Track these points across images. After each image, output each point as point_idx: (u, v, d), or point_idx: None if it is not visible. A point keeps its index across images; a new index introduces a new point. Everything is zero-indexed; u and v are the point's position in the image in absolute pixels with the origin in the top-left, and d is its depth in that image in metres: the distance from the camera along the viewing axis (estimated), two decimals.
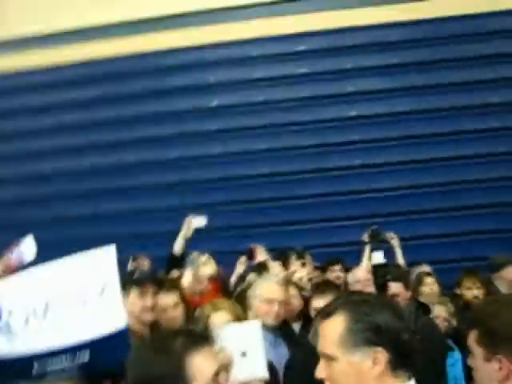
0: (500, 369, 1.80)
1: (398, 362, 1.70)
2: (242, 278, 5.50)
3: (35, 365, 2.31)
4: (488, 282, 5.24)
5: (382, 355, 1.68)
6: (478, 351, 1.87)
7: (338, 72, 7.51)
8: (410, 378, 1.72)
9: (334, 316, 1.77)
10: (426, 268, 6.00)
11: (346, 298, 1.88)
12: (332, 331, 1.76)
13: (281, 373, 3.29)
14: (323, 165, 7.30)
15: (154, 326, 3.47)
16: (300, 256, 5.36)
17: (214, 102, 7.69)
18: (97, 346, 2.27)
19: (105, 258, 2.40)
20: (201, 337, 1.79)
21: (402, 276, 4.03)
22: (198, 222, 5.22)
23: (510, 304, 1.92)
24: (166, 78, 7.87)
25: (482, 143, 7.13)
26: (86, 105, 7.92)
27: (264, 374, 2.68)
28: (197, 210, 5.64)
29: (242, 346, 2.64)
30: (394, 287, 3.81)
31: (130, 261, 5.37)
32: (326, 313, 1.81)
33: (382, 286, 3.56)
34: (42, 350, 2.31)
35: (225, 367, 1.89)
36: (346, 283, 5.46)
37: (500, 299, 2.04)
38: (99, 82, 7.92)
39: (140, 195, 7.58)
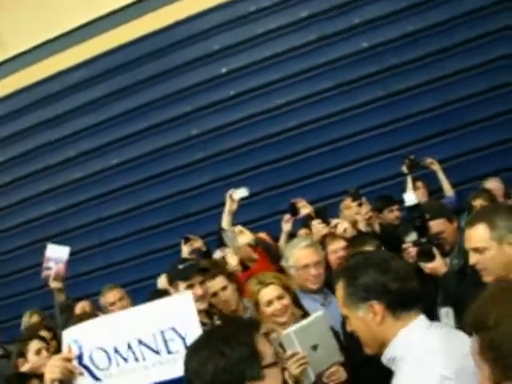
0: None
1: (394, 307, 1.98)
2: (292, 236, 5.50)
3: None
4: None
5: (377, 307, 1.97)
6: (483, 368, 1.36)
7: None
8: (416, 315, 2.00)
9: (337, 284, 2.11)
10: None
11: (344, 266, 2.22)
12: (339, 296, 2.10)
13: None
14: None
15: (210, 312, 3.52)
16: (356, 197, 5.15)
17: None
18: None
19: (183, 301, 2.43)
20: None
21: (441, 210, 3.91)
22: (240, 193, 5.06)
23: None
24: None
25: None
26: None
27: (339, 357, 2.97)
28: None
29: (312, 341, 2.86)
30: (437, 225, 3.74)
31: (182, 243, 5.23)
32: (334, 280, 2.15)
33: (422, 228, 3.43)
34: None
35: None
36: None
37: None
38: None
39: None
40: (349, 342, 3.13)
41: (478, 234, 2.69)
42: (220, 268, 4.01)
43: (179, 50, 7.68)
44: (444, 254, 3.58)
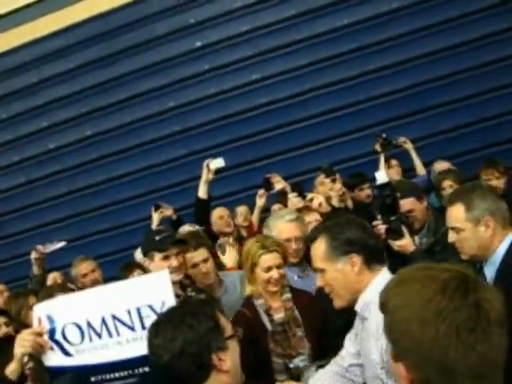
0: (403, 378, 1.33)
1: (370, 261, 2.32)
2: (265, 210, 5.57)
3: (92, 378, 2.39)
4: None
5: (356, 259, 2.30)
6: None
7: None
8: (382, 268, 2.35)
9: (317, 240, 2.39)
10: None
11: (323, 225, 2.55)
12: (318, 251, 2.38)
13: None
14: None
15: (184, 284, 3.54)
16: (329, 173, 5.09)
17: None
18: None
19: (160, 279, 2.45)
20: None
21: (411, 189, 3.95)
22: (216, 163, 5.11)
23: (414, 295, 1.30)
24: None
25: None
26: None
27: None
28: None
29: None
30: (407, 203, 3.79)
31: (153, 210, 5.32)
32: (311, 238, 2.45)
33: (392, 206, 3.45)
34: (99, 364, 2.38)
35: None
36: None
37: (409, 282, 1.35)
38: None
39: None
40: (327, 311, 3.25)
41: (455, 214, 2.77)
42: (203, 240, 3.98)
43: (155, 23, 7.59)
44: (413, 233, 3.65)
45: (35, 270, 5.07)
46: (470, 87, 6.79)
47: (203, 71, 7.49)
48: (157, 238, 3.51)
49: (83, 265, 5.20)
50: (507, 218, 2.76)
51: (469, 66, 6.82)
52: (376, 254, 2.35)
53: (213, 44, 7.47)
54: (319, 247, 2.37)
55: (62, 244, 5.13)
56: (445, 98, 6.85)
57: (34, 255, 5.04)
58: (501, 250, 2.68)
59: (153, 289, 2.42)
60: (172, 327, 1.82)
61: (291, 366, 3.00)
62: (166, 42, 7.58)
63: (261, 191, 5.45)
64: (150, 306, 2.38)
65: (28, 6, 7.86)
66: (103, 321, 2.40)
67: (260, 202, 5.51)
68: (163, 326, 1.85)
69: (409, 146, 6.25)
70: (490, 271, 2.71)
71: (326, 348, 3.08)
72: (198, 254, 3.80)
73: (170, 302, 2.36)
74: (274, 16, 7.32)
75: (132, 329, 2.39)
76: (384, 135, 6.15)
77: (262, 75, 7.34)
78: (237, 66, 7.41)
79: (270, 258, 3.26)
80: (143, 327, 2.37)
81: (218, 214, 5.63)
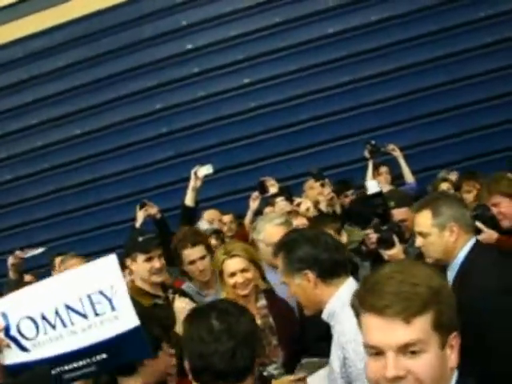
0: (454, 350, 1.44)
1: (324, 275, 2.36)
2: (258, 213, 5.53)
3: (51, 371, 2.35)
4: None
5: (310, 275, 2.36)
6: (431, 342, 1.39)
7: None
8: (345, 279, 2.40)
9: (278, 256, 2.50)
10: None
11: (281, 242, 2.57)
12: (279, 266, 2.50)
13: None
14: None
15: (166, 286, 3.58)
16: (318, 177, 5.19)
17: None
18: (112, 346, 2.32)
19: (108, 264, 2.39)
20: None
21: (405, 198, 4.00)
22: (205, 170, 5.01)
23: None
24: None
25: None
26: None
27: None
28: None
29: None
30: (401, 213, 3.83)
31: (137, 208, 5.18)
32: (275, 254, 2.55)
33: (383, 216, 3.54)
34: (56, 356, 2.36)
35: None
36: None
37: None
38: None
39: None
40: (305, 318, 3.24)
41: (422, 220, 2.90)
42: (201, 237, 3.98)
43: (147, 24, 7.59)
44: (404, 241, 3.69)
45: (11, 274, 5.04)
46: (459, 98, 6.84)
47: (193, 74, 7.49)
48: (140, 238, 3.51)
49: (70, 262, 5.14)
50: (470, 225, 2.94)
51: (458, 76, 6.88)
52: (331, 268, 2.38)
53: (203, 47, 7.48)
54: (280, 264, 2.49)
55: (41, 250, 5.10)
56: (434, 107, 6.90)
57: (11, 261, 5.00)
58: (461, 256, 2.83)
59: (101, 274, 2.37)
60: (238, 313, 1.78)
61: (265, 373, 2.96)
62: (156, 43, 7.57)
63: (255, 194, 5.40)
64: (101, 292, 2.34)
65: (18, 2, 7.81)
66: (56, 312, 2.36)
67: (254, 205, 5.44)
68: (223, 312, 1.78)
69: (397, 153, 6.27)
70: (451, 276, 2.84)
71: (301, 355, 3.07)
72: (196, 251, 3.79)
73: (120, 285, 2.33)
74: (264, 21, 7.34)
75: (85, 316, 2.36)
76: (373, 142, 6.16)
77: (252, 79, 7.36)
78: (227, 69, 7.43)
79: (231, 264, 3.26)
80: (96, 314, 2.34)
81: (209, 218, 5.59)
